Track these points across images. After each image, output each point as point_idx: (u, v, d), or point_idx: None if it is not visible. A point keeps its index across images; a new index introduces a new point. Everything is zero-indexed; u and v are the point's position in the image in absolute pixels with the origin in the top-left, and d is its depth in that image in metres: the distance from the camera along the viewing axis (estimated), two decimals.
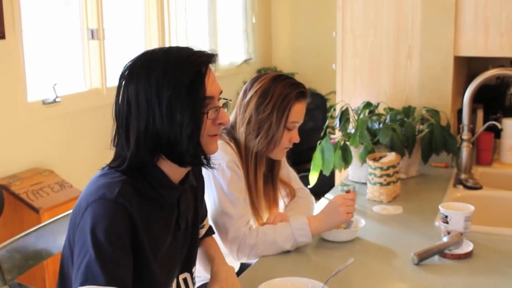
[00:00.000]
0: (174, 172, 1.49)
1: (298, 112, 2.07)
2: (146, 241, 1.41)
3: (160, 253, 1.49)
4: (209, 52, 1.47)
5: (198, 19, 5.18)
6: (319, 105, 5.63)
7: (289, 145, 2.11)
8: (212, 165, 1.53)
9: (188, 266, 1.68)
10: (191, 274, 1.68)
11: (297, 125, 2.11)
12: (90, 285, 1.29)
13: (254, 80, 2.10)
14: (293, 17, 6.01)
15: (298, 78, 6.20)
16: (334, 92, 5.23)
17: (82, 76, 3.92)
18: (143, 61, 1.45)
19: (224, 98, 1.54)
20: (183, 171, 1.52)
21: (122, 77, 1.45)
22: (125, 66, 1.47)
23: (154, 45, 4.53)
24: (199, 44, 5.14)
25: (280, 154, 2.12)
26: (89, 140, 3.83)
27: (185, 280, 1.66)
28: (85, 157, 3.79)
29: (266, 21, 6.17)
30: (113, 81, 4.03)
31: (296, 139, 2.10)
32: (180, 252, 1.62)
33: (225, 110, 1.53)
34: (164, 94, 1.39)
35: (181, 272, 1.65)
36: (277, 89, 2.04)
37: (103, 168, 1.48)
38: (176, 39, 4.75)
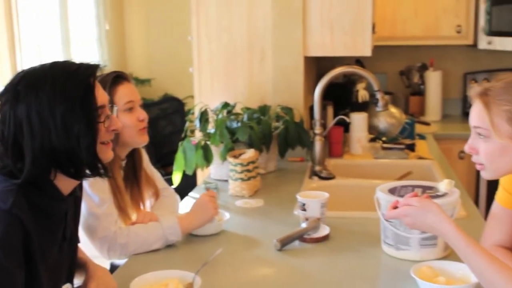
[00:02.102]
0: (66, 185, 1.51)
1: (124, 92, 2.10)
2: (38, 253, 1.42)
3: (49, 265, 1.49)
4: (93, 63, 1.51)
5: (50, 27, 5.07)
6: (177, 109, 5.68)
7: (140, 124, 2.13)
8: (108, 174, 1.56)
9: (70, 276, 1.69)
10: (72, 284, 1.69)
11: (135, 104, 2.14)
12: None
13: None
14: (147, 24, 6.02)
15: (154, 83, 6.17)
16: (192, 96, 5.32)
17: None
18: (28, 80, 1.44)
19: (111, 105, 1.58)
20: (75, 183, 1.54)
21: (4, 99, 1.44)
22: (4, 89, 1.45)
23: (3, 55, 4.38)
24: (52, 52, 5.03)
25: (138, 138, 2.14)
26: None
27: None
28: None
29: (120, 28, 6.13)
30: None
31: (143, 115, 2.14)
32: (65, 263, 1.63)
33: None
34: (57, 109, 1.41)
35: (65, 282, 1.66)
36: None
37: None
38: (28, 48, 4.62)
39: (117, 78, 2.11)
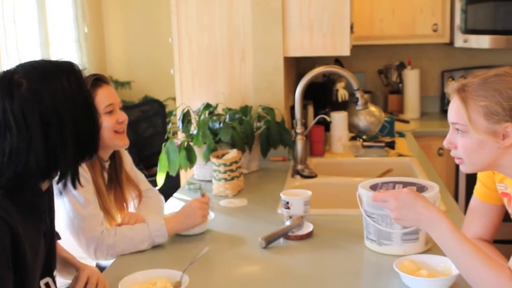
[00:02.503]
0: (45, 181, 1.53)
1: (104, 95, 2.12)
2: (27, 252, 1.43)
3: (36, 262, 1.51)
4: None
5: (28, 30, 5.05)
6: (157, 111, 5.68)
7: (119, 127, 2.15)
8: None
9: (49, 270, 1.70)
10: (53, 277, 1.71)
11: (115, 106, 2.16)
12: None
13: None
14: (126, 26, 6.02)
15: (134, 86, 6.16)
16: (172, 98, 5.33)
17: None
18: (34, 78, 1.44)
19: None
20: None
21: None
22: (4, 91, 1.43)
23: None
24: (31, 54, 5.02)
25: (117, 141, 2.16)
26: None
27: (47, 284, 1.67)
28: None
29: (99, 30, 6.13)
30: None
31: (122, 117, 2.16)
32: (41, 257, 1.65)
33: None
34: (77, 98, 1.48)
35: (42, 277, 1.67)
36: None
37: None
38: (6, 51, 4.61)
39: (96, 81, 2.12)
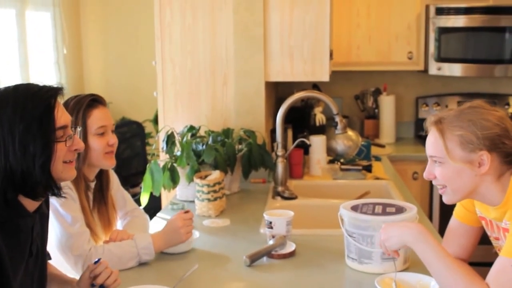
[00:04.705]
0: (30, 202, 1.56)
1: (98, 116, 2.16)
2: (9, 269, 1.47)
3: (18, 282, 1.55)
4: (55, 86, 1.57)
5: (8, 51, 5.08)
6: (136, 133, 5.72)
7: (108, 148, 2.18)
8: (63, 194, 1.61)
9: None
10: None
11: (108, 128, 2.19)
12: None
13: None
14: (105, 48, 6.07)
15: (112, 107, 6.16)
16: (150, 120, 5.39)
17: None
18: None
19: (73, 127, 1.64)
20: (39, 200, 1.59)
21: None
22: None
23: None
24: (11, 76, 5.04)
25: (105, 161, 2.19)
26: None
27: None
28: None
29: (77, 52, 6.17)
30: None
31: (113, 140, 2.20)
32: (32, 279, 1.68)
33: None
34: (16, 129, 1.47)
35: None
36: (69, 108, 2.11)
37: None
38: None
39: (92, 102, 2.16)
